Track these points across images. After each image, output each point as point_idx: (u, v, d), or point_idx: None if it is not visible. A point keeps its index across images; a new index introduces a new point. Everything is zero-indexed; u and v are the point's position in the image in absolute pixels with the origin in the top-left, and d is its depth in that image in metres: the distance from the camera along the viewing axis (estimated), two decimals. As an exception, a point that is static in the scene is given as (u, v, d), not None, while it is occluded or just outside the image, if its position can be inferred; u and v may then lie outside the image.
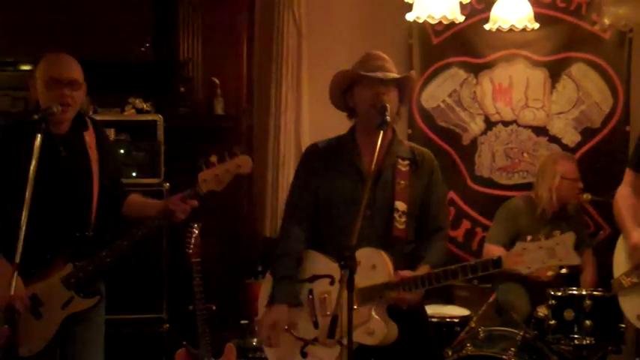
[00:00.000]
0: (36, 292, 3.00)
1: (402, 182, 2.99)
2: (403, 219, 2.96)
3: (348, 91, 3.04)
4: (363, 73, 2.94)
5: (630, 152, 3.88)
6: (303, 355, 2.99)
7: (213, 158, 3.13)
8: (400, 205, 2.97)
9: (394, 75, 2.98)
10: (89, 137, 3.17)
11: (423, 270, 2.90)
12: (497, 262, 2.75)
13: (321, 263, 3.00)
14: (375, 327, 2.85)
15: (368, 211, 2.81)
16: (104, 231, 3.17)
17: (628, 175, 3.68)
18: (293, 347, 3.01)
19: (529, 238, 2.76)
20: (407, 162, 3.03)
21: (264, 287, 3.14)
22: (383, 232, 2.94)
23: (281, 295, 2.99)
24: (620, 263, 3.62)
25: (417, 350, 3.01)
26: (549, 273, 4.13)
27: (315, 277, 3.01)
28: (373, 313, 2.86)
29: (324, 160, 3.07)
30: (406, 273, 2.87)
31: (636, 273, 3.53)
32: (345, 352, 2.75)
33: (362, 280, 2.81)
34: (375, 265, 2.87)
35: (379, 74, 2.93)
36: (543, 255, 2.69)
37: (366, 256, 2.85)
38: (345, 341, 2.66)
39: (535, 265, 2.71)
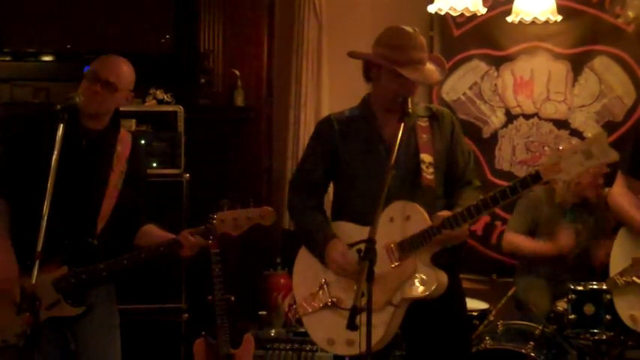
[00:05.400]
0: (24, 286, 2.87)
1: (425, 136, 2.98)
2: (430, 169, 2.94)
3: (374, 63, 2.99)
4: (407, 74, 2.86)
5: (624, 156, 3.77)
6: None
7: (237, 205, 3.12)
8: (426, 157, 2.95)
9: (434, 81, 3.00)
10: (122, 148, 3.11)
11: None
12: (535, 176, 2.61)
13: (353, 231, 2.94)
14: (425, 275, 2.80)
15: (393, 172, 2.74)
16: (111, 244, 3.09)
17: (621, 179, 3.63)
18: (340, 321, 2.84)
19: (561, 146, 2.62)
20: (426, 119, 3.03)
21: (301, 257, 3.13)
22: (412, 185, 2.92)
23: (329, 233, 2.97)
24: (617, 261, 3.60)
25: (449, 336, 2.98)
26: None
27: (350, 246, 2.92)
28: (419, 262, 2.81)
29: (341, 131, 3.04)
30: (445, 213, 2.80)
31: (630, 272, 3.50)
32: (398, 312, 2.80)
33: (399, 233, 2.81)
34: (409, 216, 2.84)
35: (420, 77, 2.90)
36: (581, 157, 2.53)
37: (397, 209, 2.84)
38: (395, 301, 2.71)
39: (575, 170, 2.55)
